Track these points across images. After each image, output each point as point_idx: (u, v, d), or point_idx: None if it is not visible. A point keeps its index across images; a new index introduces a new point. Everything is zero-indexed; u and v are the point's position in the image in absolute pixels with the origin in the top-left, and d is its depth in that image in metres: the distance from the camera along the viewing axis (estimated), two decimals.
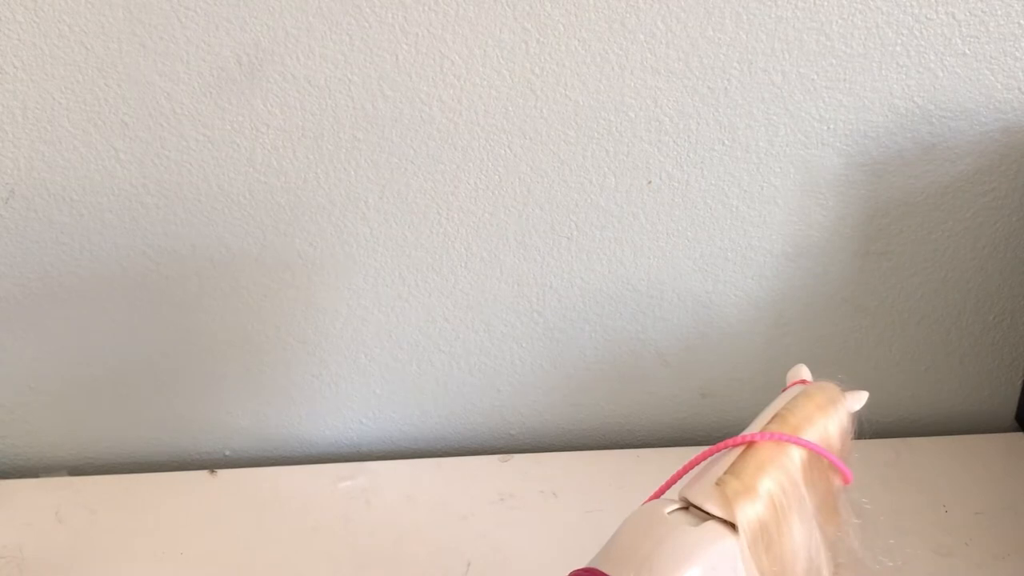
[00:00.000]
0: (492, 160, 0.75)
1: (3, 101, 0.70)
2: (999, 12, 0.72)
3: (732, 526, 0.49)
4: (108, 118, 0.71)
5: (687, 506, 0.50)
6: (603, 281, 0.80)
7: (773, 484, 0.50)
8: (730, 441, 0.51)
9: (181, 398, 0.82)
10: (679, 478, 0.53)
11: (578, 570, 0.49)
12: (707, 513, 0.49)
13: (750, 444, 0.51)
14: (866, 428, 0.89)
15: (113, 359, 0.80)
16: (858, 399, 0.56)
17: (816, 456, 0.52)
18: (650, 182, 0.77)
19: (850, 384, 0.88)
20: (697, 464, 0.53)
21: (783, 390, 0.56)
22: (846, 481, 0.54)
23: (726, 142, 0.76)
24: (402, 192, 0.76)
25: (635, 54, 0.72)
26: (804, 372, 0.58)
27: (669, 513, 0.50)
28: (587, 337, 0.83)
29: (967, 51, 0.73)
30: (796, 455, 0.51)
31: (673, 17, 0.71)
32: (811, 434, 0.52)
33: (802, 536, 0.51)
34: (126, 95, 0.71)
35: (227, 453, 0.84)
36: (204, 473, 0.80)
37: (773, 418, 0.53)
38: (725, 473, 0.50)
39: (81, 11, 0.68)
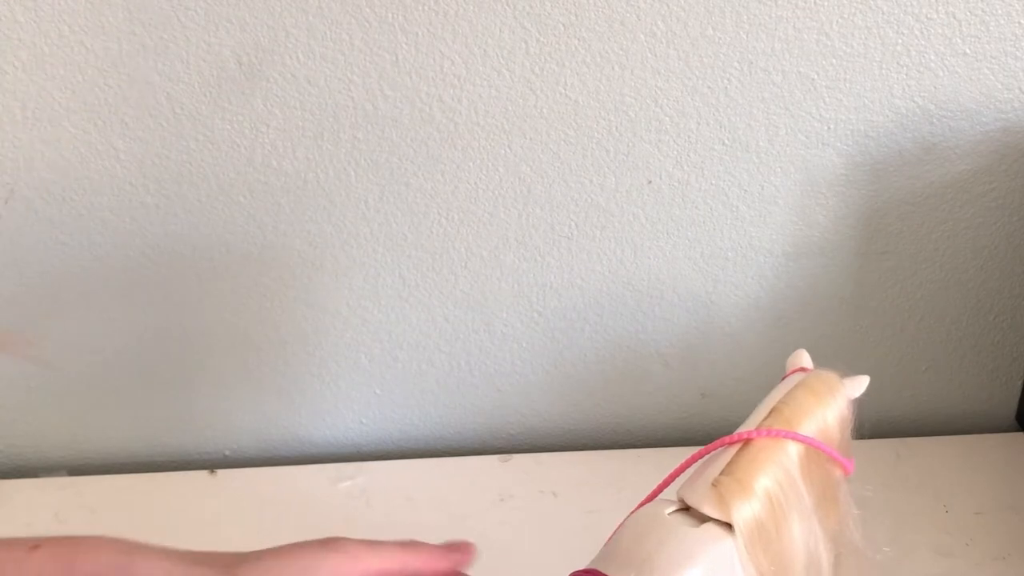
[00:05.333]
0: (492, 160, 0.75)
1: (3, 101, 0.70)
2: (1000, 12, 0.72)
3: (730, 527, 0.49)
4: (108, 118, 0.71)
5: (687, 507, 0.50)
6: (603, 281, 0.80)
7: (770, 482, 0.50)
8: (726, 439, 0.51)
9: (181, 398, 0.82)
10: (676, 477, 0.53)
11: (578, 571, 0.49)
12: (704, 513, 0.49)
13: (746, 442, 0.51)
14: (866, 428, 0.89)
15: (113, 359, 0.80)
16: (858, 385, 0.56)
17: (813, 450, 0.52)
18: (650, 182, 0.77)
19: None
20: (694, 463, 0.52)
21: (783, 378, 0.56)
22: (847, 472, 0.54)
23: (726, 142, 0.76)
24: (402, 192, 0.76)
25: (635, 54, 0.72)
26: (804, 358, 0.57)
27: (669, 514, 0.49)
28: (587, 337, 0.83)
29: (968, 51, 0.73)
30: (793, 450, 0.51)
31: (673, 17, 0.71)
32: (808, 426, 0.52)
33: (801, 532, 0.51)
34: (126, 95, 0.71)
35: (227, 453, 0.84)
36: (204, 473, 0.80)
37: (770, 412, 0.52)
38: (721, 474, 0.50)
39: (81, 11, 0.68)
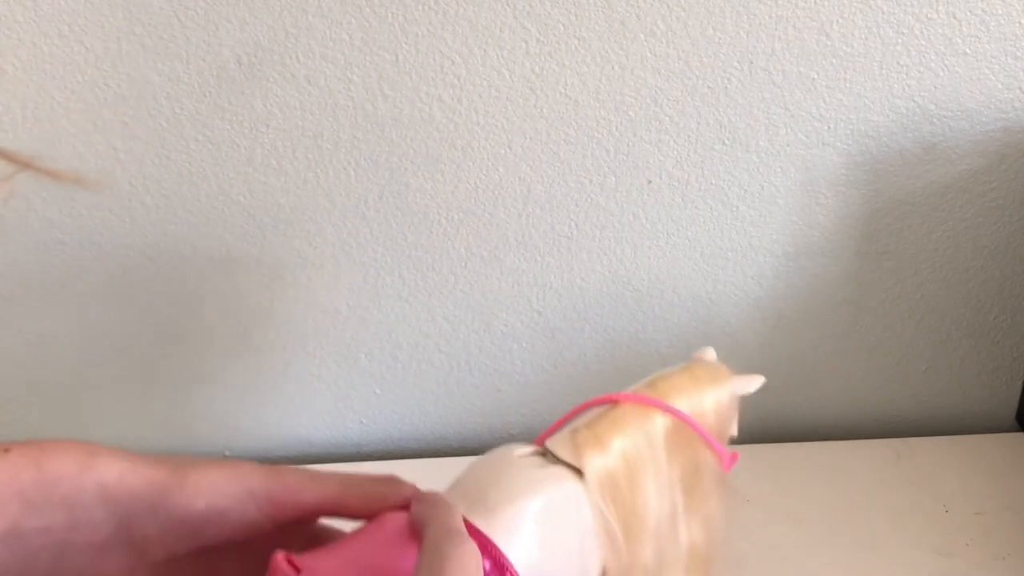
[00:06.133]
0: (492, 160, 0.75)
1: (3, 101, 0.70)
2: (1000, 12, 0.72)
3: (581, 474, 0.50)
4: (108, 118, 0.71)
5: (543, 452, 0.52)
6: (603, 281, 0.80)
7: (627, 442, 0.51)
8: (596, 399, 0.54)
9: (181, 397, 0.82)
10: (549, 434, 0.54)
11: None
12: (559, 459, 0.51)
13: (614, 403, 0.53)
14: (866, 428, 0.89)
15: (113, 359, 0.80)
16: (748, 383, 0.57)
17: (682, 427, 0.53)
18: (650, 182, 0.77)
19: (851, 384, 0.88)
20: (567, 419, 0.54)
21: None
22: (721, 459, 0.55)
23: (726, 142, 0.76)
24: (402, 192, 0.76)
25: (635, 54, 0.72)
26: (709, 354, 0.59)
27: (519, 456, 0.51)
28: (587, 337, 0.83)
29: (968, 50, 0.73)
30: (659, 421, 0.53)
31: (673, 16, 0.71)
32: (679, 403, 0.53)
33: (656, 496, 0.52)
34: (126, 95, 0.71)
35: (227, 453, 0.84)
36: None
37: (646, 384, 0.54)
38: (583, 426, 0.52)
39: (81, 11, 0.68)
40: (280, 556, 0.43)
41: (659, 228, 0.79)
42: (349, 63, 0.71)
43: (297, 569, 0.43)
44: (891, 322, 0.84)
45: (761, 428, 0.81)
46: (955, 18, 0.72)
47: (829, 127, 0.76)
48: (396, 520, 0.46)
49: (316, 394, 0.83)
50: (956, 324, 0.84)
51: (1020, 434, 0.85)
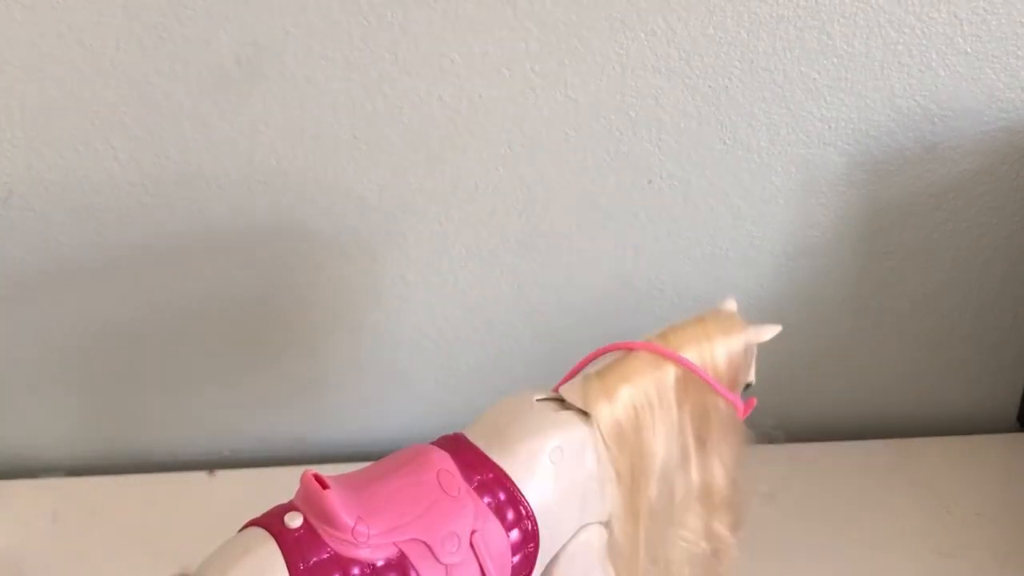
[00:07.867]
0: (492, 160, 0.75)
1: (3, 101, 0.70)
2: (1001, 11, 0.72)
3: (591, 420, 0.53)
4: (107, 118, 0.71)
5: (560, 399, 0.54)
6: (603, 281, 0.80)
7: (635, 389, 0.53)
8: (609, 347, 0.56)
9: (181, 398, 0.82)
10: (567, 380, 0.57)
11: (447, 435, 0.55)
12: (572, 405, 0.54)
13: (628, 351, 0.55)
14: (866, 428, 0.89)
15: (113, 359, 0.80)
16: (763, 331, 0.58)
17: (692, 375, 0.55)
18: (650, 182, 0.77)
19: (851, 384, 0.88)
20: (583, 365, 0.57)
21: None
22: (736, 407, 0.56)
23: (727, 141, 0.76)
24: (402, 192, 0.76)
25: (636, 53, 0.72)
26: (729, 304, 0.60)
27: (537, 400, 0.54)
28: (587, 337, 0.82)
29: (969, 50, 0.73)
30: (671, 371, 0.55)
31: (674, 16, 0.71)
32: (690, 354, 0.55)
33: (664, 440, 0.54)
34: (126, 95, 0.71)
35: (227, 453, 0.84)
36: (203, 473, 0.80)
37: (658, 335, 0.56)
38: (594, 374, 0.54)
39: (80, 10, 0.68)
40: (309, 473, 0.47)
41: (659, 228, 0.79)
42: (349, 63, 0.71)
43: (325, 485, 0.47)
44: (891, 322, 0.84)
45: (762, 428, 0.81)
46: (956, 17, 0.72)
47: (830, 127, 0.75)
48: (434, 461, 0.50)
49: (316, 394, 0.83)
50: (957, 324, 0.84)
51: (1021, 434, 0.85)
